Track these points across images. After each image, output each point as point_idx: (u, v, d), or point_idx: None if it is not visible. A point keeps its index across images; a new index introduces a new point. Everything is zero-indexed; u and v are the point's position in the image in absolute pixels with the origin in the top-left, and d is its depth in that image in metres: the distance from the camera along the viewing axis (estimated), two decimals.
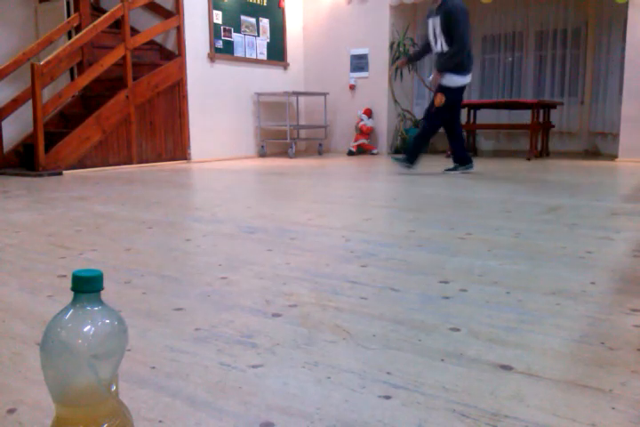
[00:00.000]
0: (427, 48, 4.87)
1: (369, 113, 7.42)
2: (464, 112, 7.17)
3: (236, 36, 6.80)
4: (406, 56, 4.79)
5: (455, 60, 4.57)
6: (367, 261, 1.88)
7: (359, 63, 7.51)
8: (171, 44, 6.30)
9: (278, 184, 4.24)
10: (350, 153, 7.42)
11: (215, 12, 6.47)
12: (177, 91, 6.12)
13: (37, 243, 2.22)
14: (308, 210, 2.98)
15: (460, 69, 4.63)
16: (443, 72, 4.62)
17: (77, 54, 5.79)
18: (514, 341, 1.20)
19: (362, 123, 7.37)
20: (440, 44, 4.62)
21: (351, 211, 2.98)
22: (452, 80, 4.64)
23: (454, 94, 4.70)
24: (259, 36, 7.12)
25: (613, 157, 6.39)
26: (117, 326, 0.70)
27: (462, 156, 4.86)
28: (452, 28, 4.52)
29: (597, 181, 4.25)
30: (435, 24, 4.60)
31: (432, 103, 4.70)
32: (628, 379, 1.02)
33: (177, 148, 6.22)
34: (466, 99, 8.18)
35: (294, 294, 1.54)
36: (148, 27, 6.00)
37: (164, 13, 6.21)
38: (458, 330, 1.26)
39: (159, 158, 6.05)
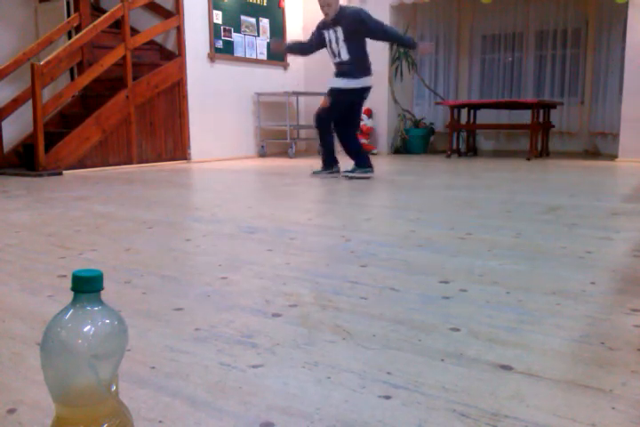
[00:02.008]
0: (307, 49, 4.87)
1: (369, 113, 7.41)
2: (464, 112, 7.18)
3: (235, 36, 6.80)
4: (289, 44, 4.90)
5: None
6: (367, 261, 1.88)
7: None
8: (171, 44, 6.30)
9: (278, 184, 4.24)
10: None
11: (215, 12, 6.47)
12: (177, 91, 6.12)
13: (37, 243, 2.22)
14: (307, 210, 2.98)
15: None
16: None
17: (77, 54, 5.79)
18: (514, 341, 1.20)
19: (362, 123, 7.37)
20: (339, 53, 4.58)
21: (351, 211, 2.98)
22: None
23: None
24: (259, 36, 7.12)
25: (613, 157, 6.39)
26: (117, 326, 0.70)
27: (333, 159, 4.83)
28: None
29: (597, 181, 4.25)
30: (336, 35, 4.54)
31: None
32: (628, 379, 1.02)
33: (177, 148, 6.22)
34: (466, 99, 8.22)
35: (294, 294, 1.54)
36: (148, 27, 6.00)
37: (164, 13, 6.21)
38: (458, 330, 1.26)
39: (159, 158, 6.05)
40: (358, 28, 4.47)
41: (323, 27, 4.65)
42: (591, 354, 1.13)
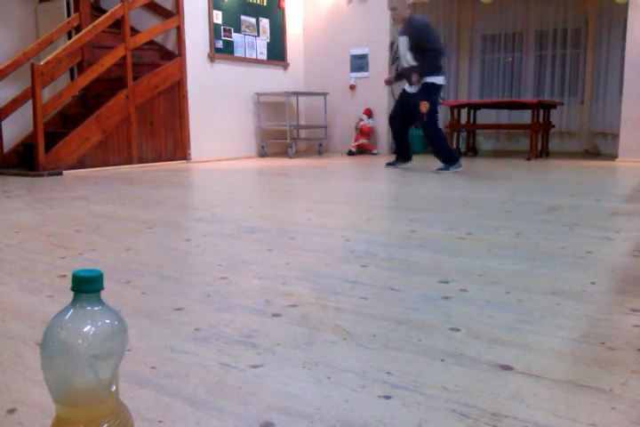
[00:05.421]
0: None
1: (369, 113, 7.42)
2: (464, 112, 7.18)
3: (236, 36, 6.80)
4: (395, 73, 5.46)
5: None
6: (367, 261, 1.88)
7: (359, 63, 7.52)
8: (171, 44, 6.30)
9: (278, 184, 4.24)
10: (350, 153, 7.42)
11: (215, 11, 6.47)
12: (177, 91, 6.12)
13: (37, 243, 2.22)
14: (308, 210, 2.98)
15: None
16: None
17: (77, 54, 5.79)
18: (514, 341, 1.20)
19: (362, 123, 7.37)
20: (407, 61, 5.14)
21: (351, 211, 2.98)
22: None
23: None
24: (259, 36, 7.12)
25: (613, 157, 6.39)
26: (117, 326, 0.70)
27: (452, 155, 5.14)
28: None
29: (597, 181, 4.25)
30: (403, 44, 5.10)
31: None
32: (628, 379, 1.02)
33: (177, 148, 6.22)
34: (466, 99, 8.22)
35: (294, 294, 1.54)
36: (148, 27, 6.00)
37: (164, 13, 6.21)
38: (458, 330, 1.26)
39: (159, 158, 6.05)
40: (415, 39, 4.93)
41: (399, 33, 5.16)
42: (591, 354, 1.13)
